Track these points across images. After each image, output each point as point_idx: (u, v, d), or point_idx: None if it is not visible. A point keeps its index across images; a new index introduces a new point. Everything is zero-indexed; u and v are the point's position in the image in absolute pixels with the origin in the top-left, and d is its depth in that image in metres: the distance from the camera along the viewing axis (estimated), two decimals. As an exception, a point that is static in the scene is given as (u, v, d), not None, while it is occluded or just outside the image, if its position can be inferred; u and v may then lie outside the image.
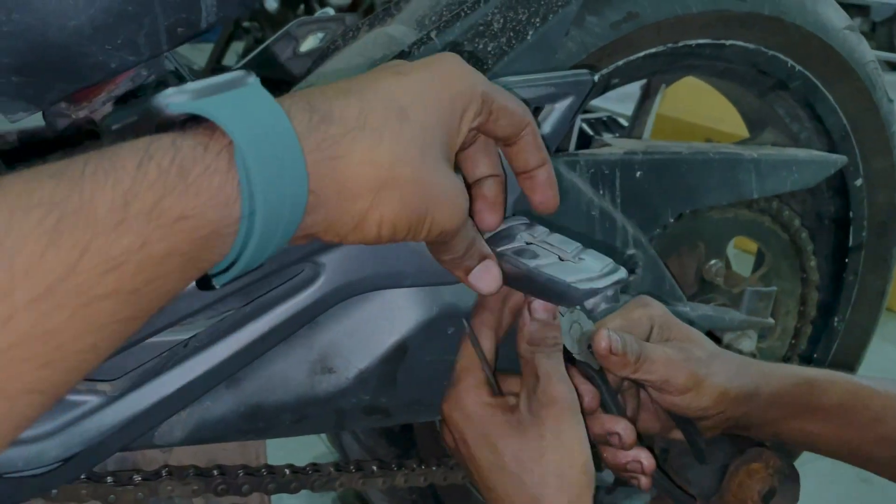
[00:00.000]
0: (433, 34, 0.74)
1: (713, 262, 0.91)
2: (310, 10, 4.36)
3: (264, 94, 0.36)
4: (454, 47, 0.73)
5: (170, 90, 0.33)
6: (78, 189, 0.30)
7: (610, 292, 0.48)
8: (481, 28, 0.73)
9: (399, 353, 0.66)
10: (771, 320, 0.91)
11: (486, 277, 0.47)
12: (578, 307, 0.51)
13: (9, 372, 0.29)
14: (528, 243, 0.51)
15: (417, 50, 0.73)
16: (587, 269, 0.48)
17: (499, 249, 0.50)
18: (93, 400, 0.54)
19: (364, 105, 0.39)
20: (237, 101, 0.34)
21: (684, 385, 0.58)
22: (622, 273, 0.47)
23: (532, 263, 0.48)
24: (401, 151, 0.39)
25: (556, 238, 0.51)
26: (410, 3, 0.86)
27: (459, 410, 0.52)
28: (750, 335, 0.89)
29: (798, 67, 0.93)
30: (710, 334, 0.90)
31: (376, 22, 0.88)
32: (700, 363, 0.59)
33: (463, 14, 0.74)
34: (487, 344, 0.54)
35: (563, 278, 0.47)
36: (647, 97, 0.97)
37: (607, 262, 0.48)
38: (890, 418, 0.63)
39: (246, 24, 4.16)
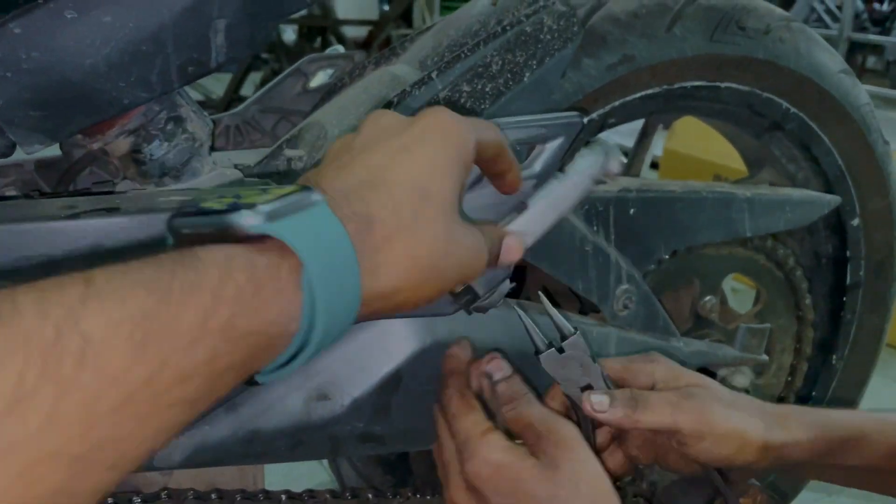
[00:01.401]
0: (434, 74, 0.76)
1: (708, 298, 0.93)
2: (326, 43, 4.44)
3: (329, 215, 0.39)
4: (453, 87, 0.76)
5: (245, 211, 0.36)
6: (165, 303, 0.32)
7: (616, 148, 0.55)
8: (480, 69, 0.76)
9: (393, 382, 0.68)
10: (765, 357, 0.92)
11: (511, 251, 0.52)
12: None
13: (82, 476, 0.30)
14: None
15: (418, 90, 0.76)
16: (580, 157, 0.56)
17: (518, 208, 0.56)
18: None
19: (394, 199, 0.42)
20: (307, 223, 0.37)
21: (695, 431, 0.57)
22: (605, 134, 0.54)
23: (552, 181, 0.56)
24: (432, 237, 0.43)
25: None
26: (414, 44, 0.89)
27: (486, 465, 0.52)
28: (744, 371, 0.90)
29: (793, 110, 0.95)
30: (705, 370, 0.91)
31: (382, 61, 0.91)
32: (712, 408, 0.57)
33: (463, 56, 0.77)
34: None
35: (581, 163, 0.55)
36: (644, 136, 1.00)
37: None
38: None
39: (264, 55, 4.24)
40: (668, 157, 2.80)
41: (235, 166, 0.81)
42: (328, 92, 0.92)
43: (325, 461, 1.32)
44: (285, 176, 0.80)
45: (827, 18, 6.42)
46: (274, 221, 0.36)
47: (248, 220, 0.36)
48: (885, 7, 7.13)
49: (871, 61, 6.61)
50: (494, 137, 0.50)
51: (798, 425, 0.60)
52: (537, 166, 0.63)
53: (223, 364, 0.34)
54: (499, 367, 0.57)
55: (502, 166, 0.52)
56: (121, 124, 0.70)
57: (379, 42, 4.46)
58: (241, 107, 1.05)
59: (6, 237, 0.57)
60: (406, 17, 5.46)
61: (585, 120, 0.60)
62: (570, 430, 0.54)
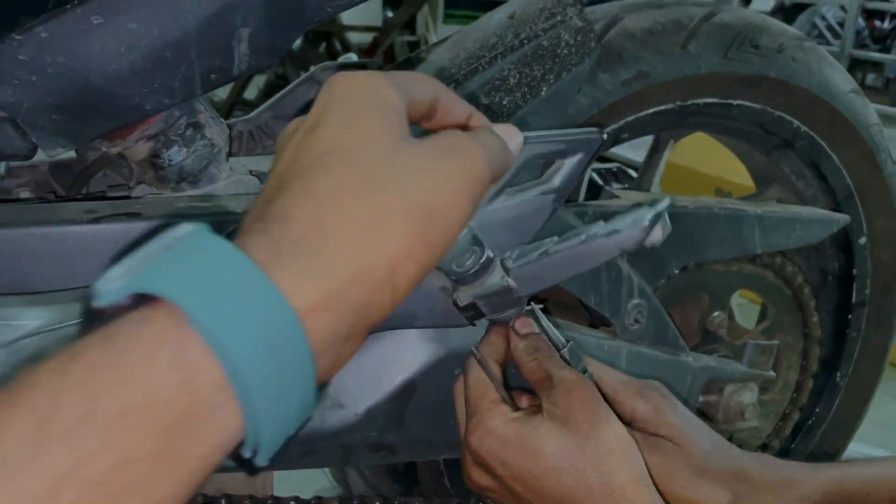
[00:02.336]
0: (451, 86, 0.77)
1: (716, 313, 0.93)
2: (331, 49, 4.45)
3: (201, 238, 0.30)
4: (471, 99, 0.77)
5: (97, 286, 0.28)
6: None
7: (666, 214, 0.48)
8: (498, 82, 0.77)
9: (407, 392, 0.69)
10: (772, 373, 0.92)
11: (516, 141, 0.43)
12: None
13: None
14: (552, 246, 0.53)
15: (436, 101, 0.77)
16: (625, 216, 0.49)
17: (540, 251, 0.53)
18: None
19: (306, 182, 0.33)
20: (172, 264, 0.29)
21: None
22: (666, 200, 0.49)
23: (580, 237, 0.50)
24: (364, 186, 0.34)
25: (570, 233, 0.53)
26: (431, 55, 0.90)
27: (489, 435, 0.51)
28: (751, 388, 0.90)
29: (803, 128, 0.96)
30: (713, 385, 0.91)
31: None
32: (676, 471, 0.54)
33: (481, 68, 0.77)
34: (496, 369, 0.56)
35: (618, 227, 0.49)
36: (655, 151, 1.01)
37: (631, 207, 0.50)
38: None
39: (268, 59, 4.24)
40: (670, 170, 2.81)
41: (251, 172, 0.81)
42: (343, 100, 0.92)
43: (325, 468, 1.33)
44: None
45: (828, 35, 6.46)
46: (135, 275, 0.28)
47: (100, 295, 0.28)
48: (886, 25, 7.18)
49: (871, 79, 6.65)
50: (423, 79, 0.41)
51: (779, 501, 0.56)
52: (556, 181, 0.64)
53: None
54: (525, 324, 0.56)
55: (451, 111, 0.42)
56: (141, 129, 0.70)
57: (383, 48, 4.47)
58: (254, 113, 1.05)
59: (28, 240, 0.58)
60: (410, 25, 5.48)
61: (605, 136, 0.61)
62: (586, 384, 0.52)
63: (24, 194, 0.92)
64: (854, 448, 1.23)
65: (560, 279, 0.54)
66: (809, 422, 1.13)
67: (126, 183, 0.91)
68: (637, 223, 0.49)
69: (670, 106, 0.88)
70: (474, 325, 0.60)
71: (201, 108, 0.75)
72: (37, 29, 0.59)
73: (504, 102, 0.76)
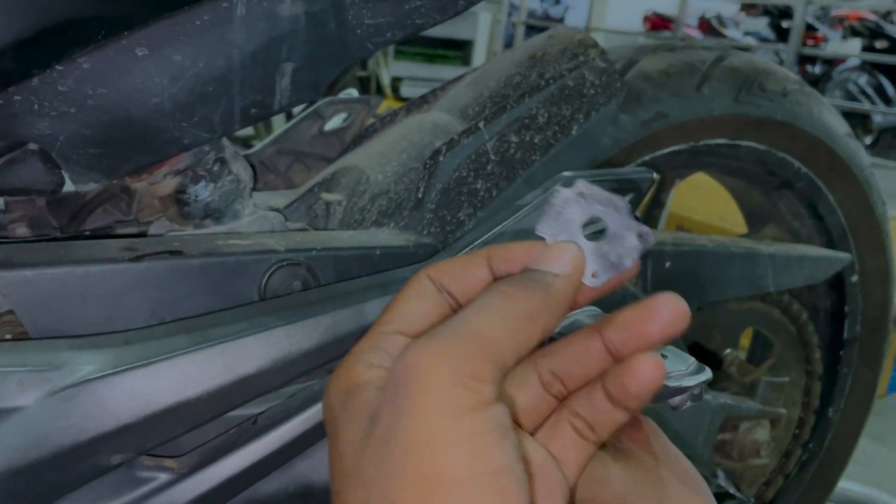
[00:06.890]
0: (481, 124, 0.77)
1: (728, 351, 0.94)
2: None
3: None
4: (500, 137, 0.76)
5: None
6: None
7: (696, 391, 0.48)
8: (527, 121, 0.77)
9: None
10: (783, 410, 0.93)
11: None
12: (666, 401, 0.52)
13: None
14: None
15: (466, 138, 0.76)
16: (671, 366, 0.49)
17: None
18: (161, 477, 0.53)
19: None
20: None
21: None
22: (708, 373, 0.48)
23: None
24: None
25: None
26: (448, 94, 0.89)
27: None
28: (764, 425, 0.91)
29: (804, 169, 0.99)
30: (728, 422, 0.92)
31: (413, 108, 0.91)
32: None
33: (509, 107, 0.77)
34: None
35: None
36: (661, 189, 1.02)
37: (691, 360, 0.49)
38: None
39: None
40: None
41: (270, 208, 0.79)
42: (359, 137, 0.91)
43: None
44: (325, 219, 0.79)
45: (764, 79, 6.71)
46: None
47: None
48: (818, 69, 7.53)
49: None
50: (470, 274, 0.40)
51: None
52: (608, 220, 0.64)
53: None
54: None
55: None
56: (171, 164, 0.67)
57: (334, 83, 4.45)
58: (257, 147, 1.03)
59: (70, 280, 0.54)
60: (361, 61, 5.49)
61: (655, 176, 0.61)
62: (650, 421, 0.51)
63: (21, 230, 0.88)
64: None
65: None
66: (804, 457, 1.15)
67: (135, 219, 0.88)
68: (673, 386, 0.48)
69: (684, 146, 0.89)
70: None
71: (226, 143, 0.73)
72: (79, 60, 0.57)
73: (535, 141, 0.76)
